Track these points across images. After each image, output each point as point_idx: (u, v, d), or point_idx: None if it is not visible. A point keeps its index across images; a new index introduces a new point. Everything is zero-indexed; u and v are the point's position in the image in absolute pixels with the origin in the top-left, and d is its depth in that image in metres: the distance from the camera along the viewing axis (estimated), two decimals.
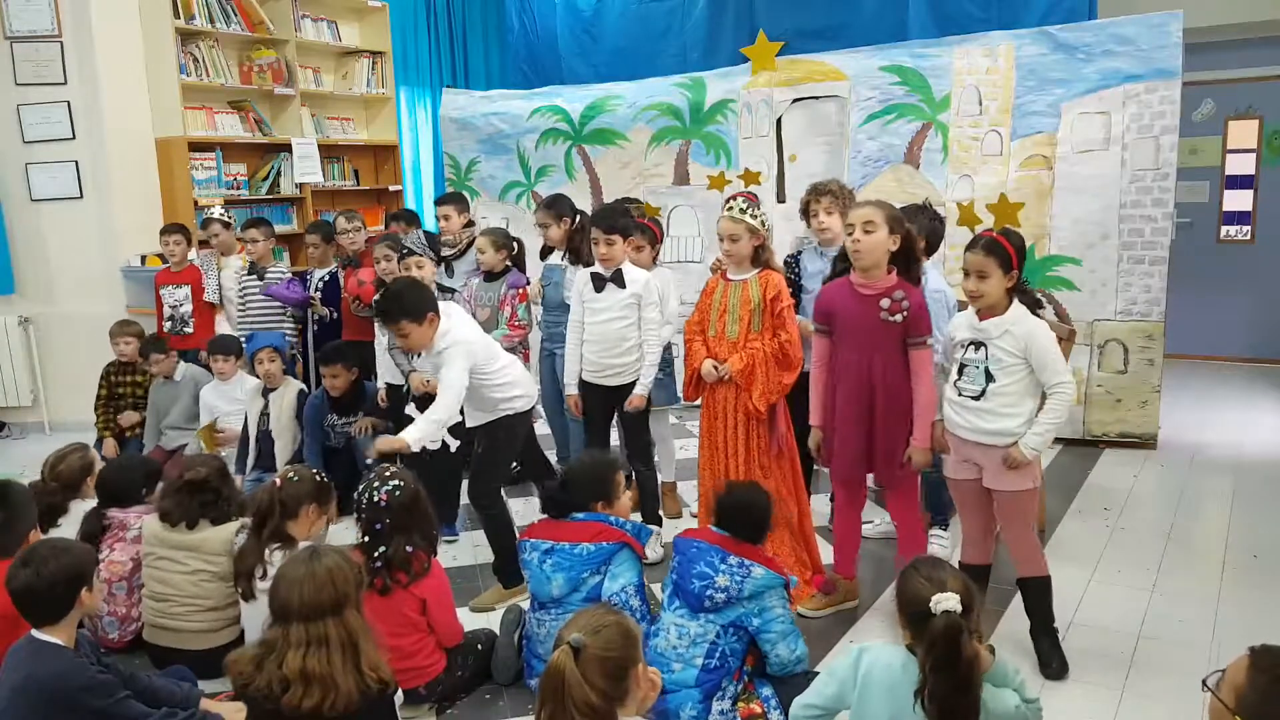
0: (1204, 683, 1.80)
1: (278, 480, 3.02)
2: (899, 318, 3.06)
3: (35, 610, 2.35)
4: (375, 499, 2.83)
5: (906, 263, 3.12)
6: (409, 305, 3.24)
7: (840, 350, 3.19)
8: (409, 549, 2.82)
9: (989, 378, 2.87)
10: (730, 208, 3.46)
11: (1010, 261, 2.82)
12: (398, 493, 2.84)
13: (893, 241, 3.07)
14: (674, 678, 2.64)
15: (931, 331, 3.12)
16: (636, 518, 4.01)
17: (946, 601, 1.96)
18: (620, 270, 3.84)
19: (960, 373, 2.95)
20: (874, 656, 2.13)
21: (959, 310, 3.24)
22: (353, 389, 4.64)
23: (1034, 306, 2.96)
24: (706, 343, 3.56)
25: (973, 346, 2.92)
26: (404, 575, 2.79)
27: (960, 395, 2.95)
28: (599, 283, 3.86)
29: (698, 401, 3.65)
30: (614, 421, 4.13)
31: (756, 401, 3.41)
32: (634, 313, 3.84)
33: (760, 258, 3.48)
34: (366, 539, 2.83)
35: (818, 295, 3.36)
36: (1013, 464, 2.86)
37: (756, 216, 3.43)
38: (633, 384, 3.89)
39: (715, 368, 3.47)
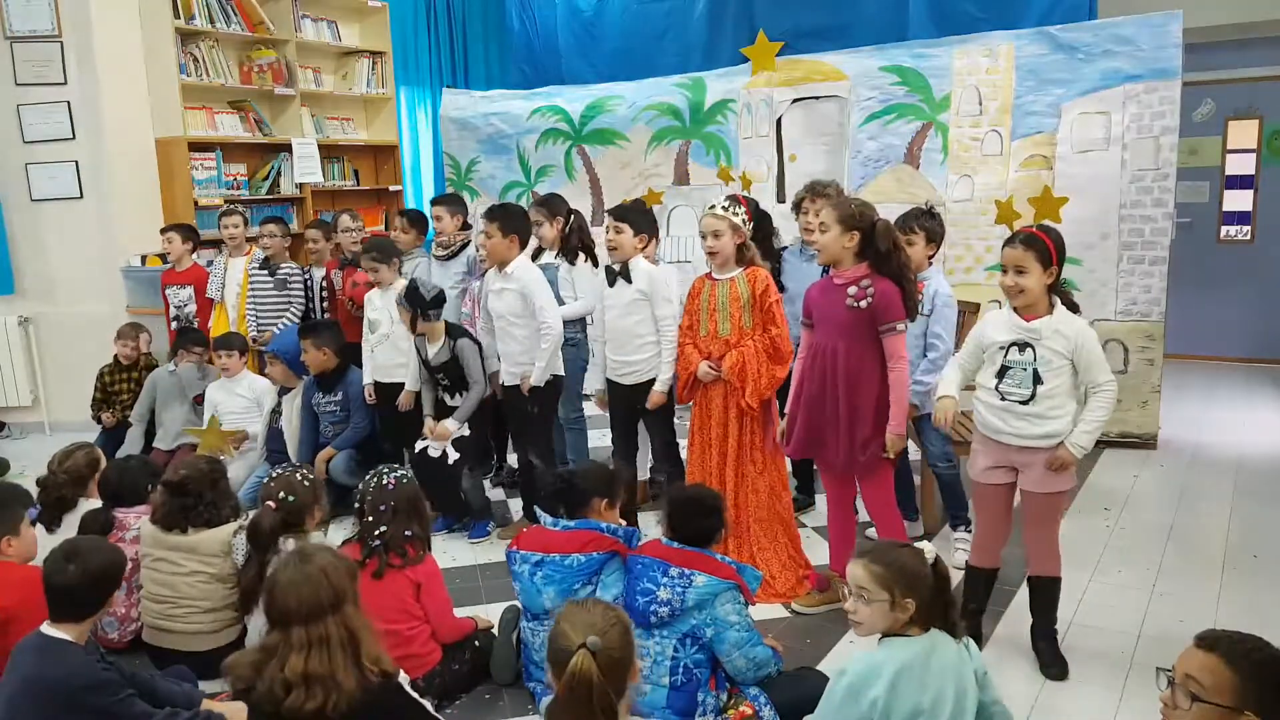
0: (1158, 670, 1.85)
1: (272, 503, 2.95)
2: (864, 304, 3.09)
3: (69, 606, 2.36)
4: (384, 482, 2.93)
5: (878, 256, 3.11)
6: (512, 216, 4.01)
7: (815, 339, 3.26)
8: (407, 533, 2.88)
9: (1037, 379, 2.81)
10: (712, 206, 3.52)
11: (1050, 257, 2.77)
12: (404, 481, 2.96)
13: (848, 239, 3.10)
14: (644, 701, 2.58)
15: (903, 318, 3.11)
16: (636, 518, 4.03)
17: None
18: (627, 265, 3.85)
19: (1001, 376, 2.87)
20: (895, 660, 2.09)
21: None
22: (336, 368, 4.51)
23: (1073, 310, 2.87)
24: (697, 343, 3.59)
25: (1016, 348, 2.84)
26: (398, 558, 2.85)
27: (1004, 400, 2.86)
28: (610, 276, 3.91)
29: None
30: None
31: (749, 398, 3.44)
32: (640, 310, 3.83)
33: (745, 256, 3.52)
34: (369, 519, 2.88)
35: (805, 292, 3.39)
36: (1061, 466, 2.83)
37: (738, 215, 3.48)
38: (648, 383, 3.87)
39: (711, 368, 3.50)
